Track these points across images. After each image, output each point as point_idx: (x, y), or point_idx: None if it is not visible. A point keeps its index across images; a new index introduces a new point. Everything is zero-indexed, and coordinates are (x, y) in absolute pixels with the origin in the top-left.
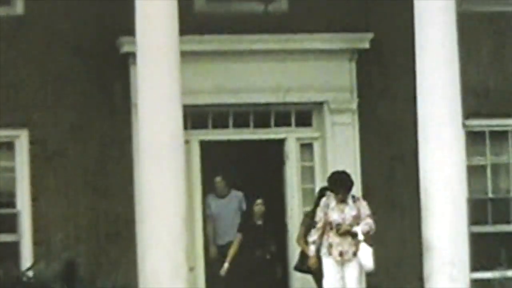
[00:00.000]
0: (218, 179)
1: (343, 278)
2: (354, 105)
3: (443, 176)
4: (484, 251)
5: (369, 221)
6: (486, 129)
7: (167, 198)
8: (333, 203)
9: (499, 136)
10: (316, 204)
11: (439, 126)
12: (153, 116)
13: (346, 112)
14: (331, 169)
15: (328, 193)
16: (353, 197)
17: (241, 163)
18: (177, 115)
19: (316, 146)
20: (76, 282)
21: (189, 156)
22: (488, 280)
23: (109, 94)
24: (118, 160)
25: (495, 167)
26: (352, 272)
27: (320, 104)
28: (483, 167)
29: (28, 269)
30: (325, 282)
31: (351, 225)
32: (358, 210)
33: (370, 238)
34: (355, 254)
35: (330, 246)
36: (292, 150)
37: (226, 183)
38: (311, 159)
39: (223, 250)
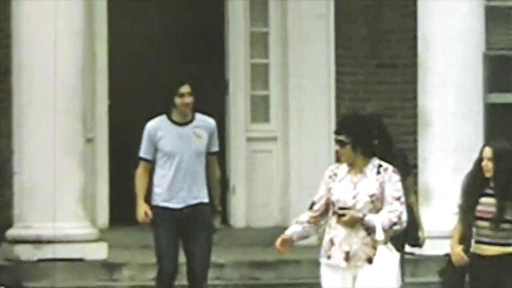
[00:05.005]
0: (185, 89)
1: None
2: None
3: (447, 25)
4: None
5: (398, 208)
6: None
7: (58, 37)
8: (343, 171)
9: None
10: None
11: None
12: None
13: None
14: None
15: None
16: (380, 165)
17: None
18: None
19: None
20: None
21: None
22: None
23: None
24: None
25: None
26: None
27: None
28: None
29: None
30: None
31: (364, 212)
32: (382, 187)
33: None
34: (370, 260)
35: (331, 243)
36: None
37: (194, 99)
38: None
39: (172, 215)
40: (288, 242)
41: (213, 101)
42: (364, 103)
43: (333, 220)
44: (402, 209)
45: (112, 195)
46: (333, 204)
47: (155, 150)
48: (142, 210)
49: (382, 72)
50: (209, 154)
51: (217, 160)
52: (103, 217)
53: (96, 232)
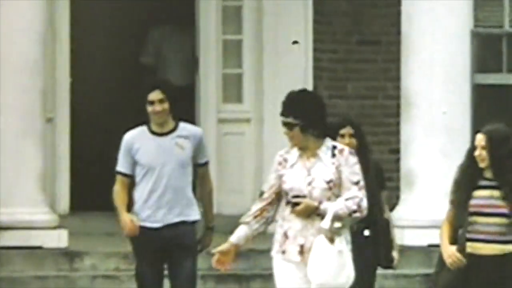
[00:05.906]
0: (153, 95)
1: None
2: None
3: None
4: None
5: (357, 194)
6: None
7: (17, 5)
8: (294, 156)
9: None
10: None
11: None
12: None
13: None
14: None
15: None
16: (334, 147)
17: None
18: None
19: None
20: None
21: None
22: None
23: None
24: None
25: None
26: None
27: None
28: None
29: None
30: None
31: (320, 200)
32: (338, 171)
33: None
34: None
35: (285, 236)
36: None
37: (171, 105)
38: None
39: (152, 236)
40: (230, 253)
41: (182, 79)
42: (343, 83)
43: (286, 211)
44: (362, 195)
45: (74, 179)
46: (286, 194)
47: (134, 163)
48: (127, 219)
49: (364, 50)
50: (198, 165)
51: (208, 172)
52: (64, 203)
53: (56, 219)
